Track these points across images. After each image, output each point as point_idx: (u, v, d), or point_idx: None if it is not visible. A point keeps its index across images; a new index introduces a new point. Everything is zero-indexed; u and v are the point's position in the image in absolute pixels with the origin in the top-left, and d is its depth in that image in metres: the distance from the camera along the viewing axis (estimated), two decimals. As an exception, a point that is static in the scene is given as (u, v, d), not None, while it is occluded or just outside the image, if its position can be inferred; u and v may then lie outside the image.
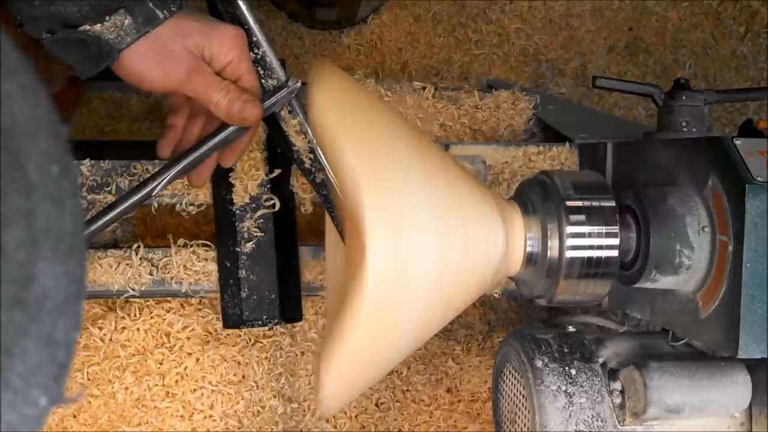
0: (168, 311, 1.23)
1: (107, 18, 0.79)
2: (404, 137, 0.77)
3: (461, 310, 0.83)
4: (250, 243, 1.04)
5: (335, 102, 0.74)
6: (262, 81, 0.90)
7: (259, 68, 0.89)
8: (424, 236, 0.74)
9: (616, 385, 0.92)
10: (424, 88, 1.24)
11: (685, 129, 1.02)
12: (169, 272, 1.05)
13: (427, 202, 0.74)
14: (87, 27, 0.79)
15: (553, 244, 0.85)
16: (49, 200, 0.33)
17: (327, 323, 0.86)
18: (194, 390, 1.25)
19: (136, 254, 1.04)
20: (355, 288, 0.70)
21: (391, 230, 0.71)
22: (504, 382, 1.00)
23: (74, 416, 1.24)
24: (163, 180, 0.88)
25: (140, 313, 1.23)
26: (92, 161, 1.03)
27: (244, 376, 1.26)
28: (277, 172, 1.05)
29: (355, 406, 1.32)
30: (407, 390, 1.34)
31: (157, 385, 1.24)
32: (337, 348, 0.72)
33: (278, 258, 1.05)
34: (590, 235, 0.86)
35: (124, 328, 1.23)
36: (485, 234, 0.80)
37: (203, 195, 1.06)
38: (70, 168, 0.36)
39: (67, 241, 0.34)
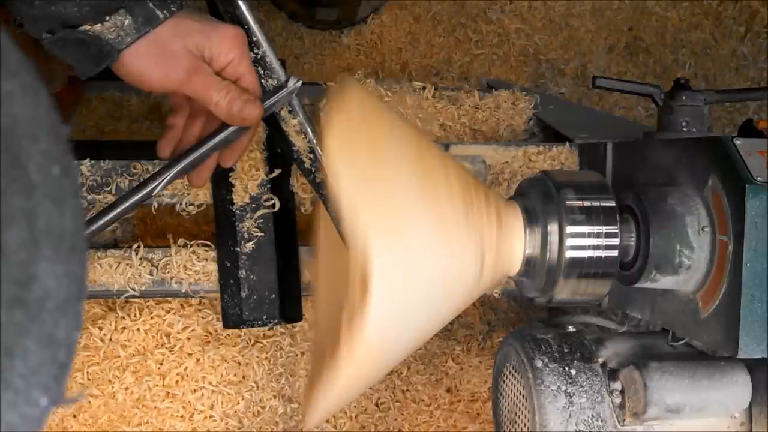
0: (168, 311, 1.23)
1: (107, 18, 0.79)
2: (406, 164, 0.77)
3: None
4: (250, 243, 1.04)
5: (344, 144, 0.74)
6: (262, 81, 0.89)
7: (259, 68, 0.89)
8: (425, 275, 0.74)
9: (616, 385, 0.92)
10: (424, 88, 1.24)
11: (685, 129, 1.02)
12: (169, 272, 1.05)
13: (430, 236, 0.75)
14: (87, 27, 0.79)
15: (553, 244, 0.85)
16: (50, 200, 0.33)
17: (317, 346, 0.86)
18: (194, 390, 1.25)
19: (136, 254, 1.04)
20: (352, 332, 0.70)
21: (394, 276, 0.71)
22: (504, 382, 1.00)
23: (74, 416, 1.24)
24: (163, 180, 0.88)
25: (140, 314, 1.23)
26: (92, 161, 1.03)
27: (244, 377, 1.26)
28: (277, 172, 1.05)
29: (355, 406, 1.32)
30: (407, 390, 1.34)
31: (157, 385, 1.24)
32: (331, 387, 0.73)
33: (278, 258, 1.05)
34: (590, 235, 0.86)
35: (124, 328, 1.23)
36: (486, 256, 0.81)
37: (203, 195, 1.06)
38: (71, 168, 0.36)
39: (68, 241, 0.34)
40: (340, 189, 0.70)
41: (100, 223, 0.88)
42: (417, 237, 0.73)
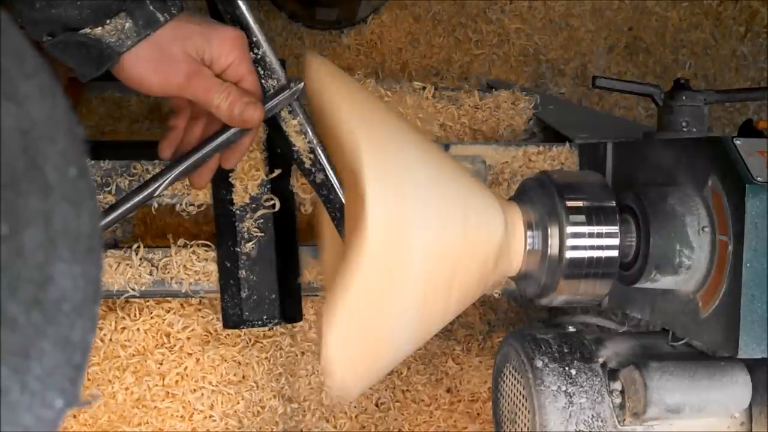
0: (168, 311, 1.23)
1: (108, 21, 0.79)
2: (403, 122, 0.77)
3: (464, 301, 0.83)
4: (250, 243, 1.04)
5: (336, 78, 0.74)
6: (262, 81, 0.89)
7: (259, 68, 0.89)
8: (423, 191, 0.74)
9: (616, 385, 0.92)
10: (424, 88, 1.24)
11: (685, 129, 1.02)
12: (169, 272, 1.05)
13: (426, 164, 0.75)
14: (88, 30, 0.79)
15: (554, 244, 0.85)
16: (66, 201, 0.33)
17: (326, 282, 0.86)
18: (194, 390, 1.25)
19: (136, 254, 1.05)
20: (357, 239, 0.70)
21: (390, 183, 0.71)
22: (504, 382, 1.00)
23: (74, 416, 1.24)
24: (165, 181, 0.88)
25: (140, 314, 1.23)
26: (92, 161, 1.03)
27: (244, 377, 1.26)
28: (277, 172, 1.05)
29: (355, 406, 1.32)
30: (407, 390, 1.34)
31: (157, 385, 1.24)
32: (340, 299, 0.71)
33: (278, 258, 1.05)
34: (590, 235, 0.86)
35: (124, 328, 1.23)
36: (484, 212, 0.80)
37: (203, 195, 1.06)
38: (87, 169, 0.36)
39: (85, 243, 0.34)
40: (328, 101, 0.70)
41: (102, 223, 0.89)
42: (409, 157, 0.74)
